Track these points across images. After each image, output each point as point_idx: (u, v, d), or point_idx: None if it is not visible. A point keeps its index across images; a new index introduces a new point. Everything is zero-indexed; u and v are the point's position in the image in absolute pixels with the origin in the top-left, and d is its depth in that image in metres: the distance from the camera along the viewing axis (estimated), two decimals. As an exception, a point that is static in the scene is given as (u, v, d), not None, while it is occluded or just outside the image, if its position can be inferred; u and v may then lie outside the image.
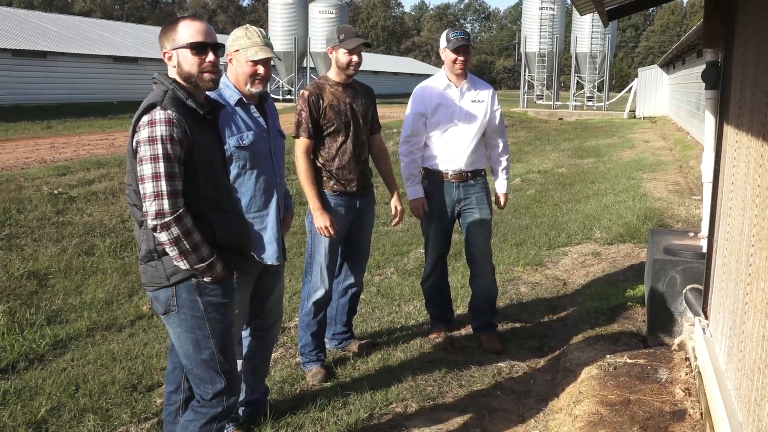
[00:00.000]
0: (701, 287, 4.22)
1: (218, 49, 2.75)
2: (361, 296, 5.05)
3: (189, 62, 2.68)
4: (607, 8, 5.00)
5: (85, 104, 27.93)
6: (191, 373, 2.84)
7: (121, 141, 14.34)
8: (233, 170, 3.33)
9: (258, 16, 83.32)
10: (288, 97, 34.07)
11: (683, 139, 18.91)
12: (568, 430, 3.46)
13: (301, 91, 4.25)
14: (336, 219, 4.18)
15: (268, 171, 3.44)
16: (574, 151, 17.97)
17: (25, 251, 6.97)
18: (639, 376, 3.91)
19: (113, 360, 4.54)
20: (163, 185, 2.55)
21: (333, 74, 4.26)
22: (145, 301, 5.60)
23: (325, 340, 4.53)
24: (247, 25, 3.41)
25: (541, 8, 34.92)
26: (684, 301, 4.42)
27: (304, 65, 35.60)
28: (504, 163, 4.91)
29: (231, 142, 3.29)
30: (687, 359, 4.09)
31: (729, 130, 3.74)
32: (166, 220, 2.56)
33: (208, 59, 2.69)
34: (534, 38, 35.27)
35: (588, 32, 33.82)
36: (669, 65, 28.80)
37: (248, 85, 3.33)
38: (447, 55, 4.66)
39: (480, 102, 4.73)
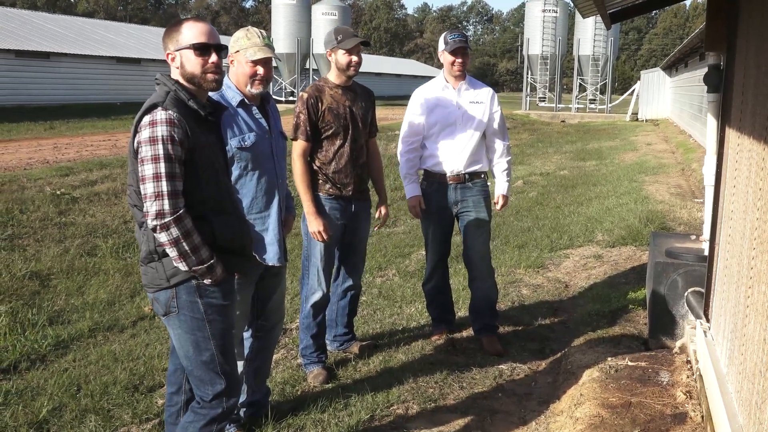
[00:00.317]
0: (703, 290, 4.22)
1: (221, 50, 2.75)
2: (363, 298, 5.06)
3: (192, 63, 2.69)
4: (610, 11, 5.01)
5: (87, 105, 27.98)
6: (191, 374, 2.85)
7: (124, 142, 14.37)
8: (235, 171, 3.34)
9: (261, 18, 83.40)
10: (291, 98, 34.07)
11: (685, 142, 18.90)
12: (569, 433, 3.46)
13: (300, 93, 4.24)
14: (330, 223, 4.18)
15: (269, 172, 3.44)
16: (577, 154, 17.97)
17: (28, 252, 6.98)
18: (640, 378, 3.91)
19: (115, 361, 4.55)
20: (164, 186, 2.55)
21: (333, 76, 4.24)
22: (147, 302, 5.61)
23: (327, 341, 4.54)
24: (249, 26, 3.43)
25: (544, 11, 34.92)
26: (685, 304, 4.42)
27: (307, 67, 35.65)
28: (504, 166, 4.88)
29: (233, 143, 3.30)
30: (688, 362, 4.09)
31: (731, 134, 3.74)
32: (166, 220, 2.56)
33: (211, 60, 2.70)
34: (537, 41, 35.27)
35: (591, 35, 33.81)
36: (671, 68, 28.79)
37: (248, 86, 3.34)
38: (445, 58, 4.68)
39: (479, 103, 4.73)
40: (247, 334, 3.65)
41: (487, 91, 4.81)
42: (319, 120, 4.13)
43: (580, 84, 36.23)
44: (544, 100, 36.86)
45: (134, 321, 5.40)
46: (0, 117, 20.83)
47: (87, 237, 7.65)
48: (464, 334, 5.02)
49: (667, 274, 4.46)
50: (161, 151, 2.55)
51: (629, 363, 4.13)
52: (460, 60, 4.63)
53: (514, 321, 5.34)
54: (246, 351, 3.64)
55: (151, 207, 2.56)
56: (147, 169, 2.57)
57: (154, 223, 2.57)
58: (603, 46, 34.15)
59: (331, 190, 4.20)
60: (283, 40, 32.81)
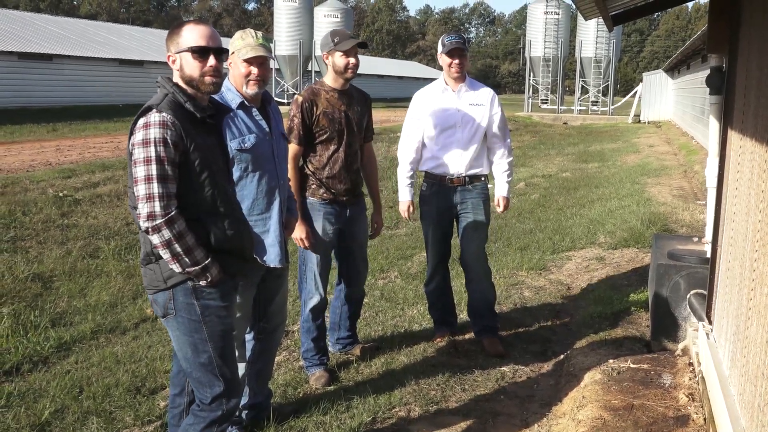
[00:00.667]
0: (705, 292, 4.22)
1: (221, 54, 2.75)
2: (365, 300, 5.05)
3: (191, 66, 2.70)
4: (612, 13, 5.00)
5: (90, 107, 28.03)
6: (190, 376, 2.85)
7: (126, 144, 14.36)
8: (235, 173, 3.34)
9: (263, 20, 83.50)
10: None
11: (688, 143, 18.88)
12: (571, 435, 3.46)
13: (295, 96, 4.20)
14: (325, 227, 4.17)
15: (270, 174, 3.44)
16: (579, 156, 17.95)
17: (30, 254, 6.99)
18: (642, 381, 3.90)
19: (117, 363, 4.55)
20: (155, 188, 2.56)
21: (330, 80, 4.21)
22: (149, 303, 5.61)
23: (329, 344, 4.54)
24: (248, 28, 3.44)
25: (546, 13, 34.92)
26: (688, 306, 4.41)
27: (309, 69, 35.67)
28: (505, 167, 4.85)
29: (232, 145, 3.30)
30: (691, 364, 4.08)
31: (733, 135, 3.74)
32: (157, 222, 2.57)
33: (209, 64, 2.70)
34: (539, 43, 35.26)
35: (593, 37, 33.79)
36: (674, 70, 28.76)
37: (244, 87, 3.34)
38: (443, 60, 4.69)
39: (479, 105, 4.72)
40: (248, 336, 3.65)
41: (487, 93, 4.80)
42: (313, 124, 4.09)
43: (583, 86, 36.20)
44: (546, 102, 36.84)
45: (136, 323, 5.40)
46: (3, 119, 20.87)
47: (89, 239, 7.66)
48: (466, 336, 5.02)
49: (670, 276, 4.46)
50: (153, 153, 2.56)
51: (631, 365, 4.12)
52: (457, 62, 4.63)
53: (516, 323, 5.34)
54: (248, 353, 3.64)
55: (142, 209, 2.57)
56: (139, 171, 2.58)
57: (146, 225, 2.58)
58: (605, 48, 34.12)
59: (325, 194, 4.18)
60: (285, 42, 32.83)
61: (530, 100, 36.65)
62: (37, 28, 31.47)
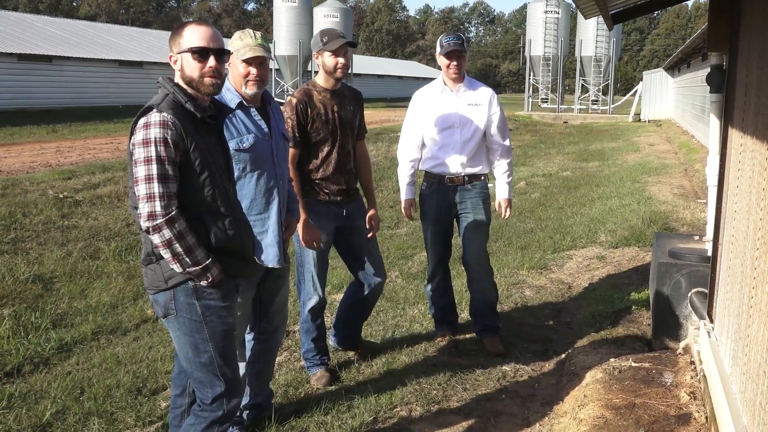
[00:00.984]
0: (706, 291, 4.21)
1: (222, 55, 2.75)
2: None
3: (191, 67, 2.70)
4: (612, 11, 5.00)
5: (90, 108, 28.05)
6: (191, 376, 2.85)
7: (126, 145, 14.40)
8: (234, 173, 3.34)
9: (263, 20, 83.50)
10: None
11: (688, 142, 18.87)
12: (573, 434, 3.45)
13: (288, 98, 4.18)
14: (321, 228, 4.16)
15: (269, 174, 3.44)
16: (579, 155, 17.95)
17: (31, 255, 6.99)
18: (644, 379, 3.90)
19: (118, 363, 4.55)
20: (155, 187, 2.57)
21: (321, 80, 4.18)
22: (150, 304, 5.61)
23: (330, 338, 4.57)
24: (247, 28, 3.44)
25: (546, 12, 34.93)
26: (689, 305, 4.41)
27: (309, 69, 35.68)
28: (505, 168, 4.84)
29: (231, 145, 3.29)
30: (692, 363, 4.08)
31: (734, 134, 3.74)
32: (158, 222, 2.57)
33: (209, 65, 2.70)
34: (539, 42, 35.27)
35: (593, 36, 33.80)
36: (674, 68, 28.76)
37: (243, 87, 3.35)
38: (441, 61, 4.69)
39: (478, 105, 4.72)
40: (249, 337, 3.65)
41: (486, 92, 4.79)
42: (308, 125, 4.08)
43: (583, 85, 36.21)
44: (546, 102, 36.85)
45: (137, 324, 5.40)
46: (3, 121, 20.88)
47: (90, 240, 7.66)
48: (467, 335, 5.02)
49: (671, 274, 4.45)
50: (153, 153, 2.57)
51: (633, 364, 4.12)
52: (455, 63, 4.63)
53: (517, 322, 5.34)
54: (248, 353, 3.64)
55: (143, 209, 2.58)
56: (140, 171, 2.58)
57: (146, 224, 2.58)
58: (605, 47, 34.14)
59: (320, 195, 4.18)
60: (284, 43, 32.84)
61: (530, 100, 36.66)
62: (37, 30, 31.48)
